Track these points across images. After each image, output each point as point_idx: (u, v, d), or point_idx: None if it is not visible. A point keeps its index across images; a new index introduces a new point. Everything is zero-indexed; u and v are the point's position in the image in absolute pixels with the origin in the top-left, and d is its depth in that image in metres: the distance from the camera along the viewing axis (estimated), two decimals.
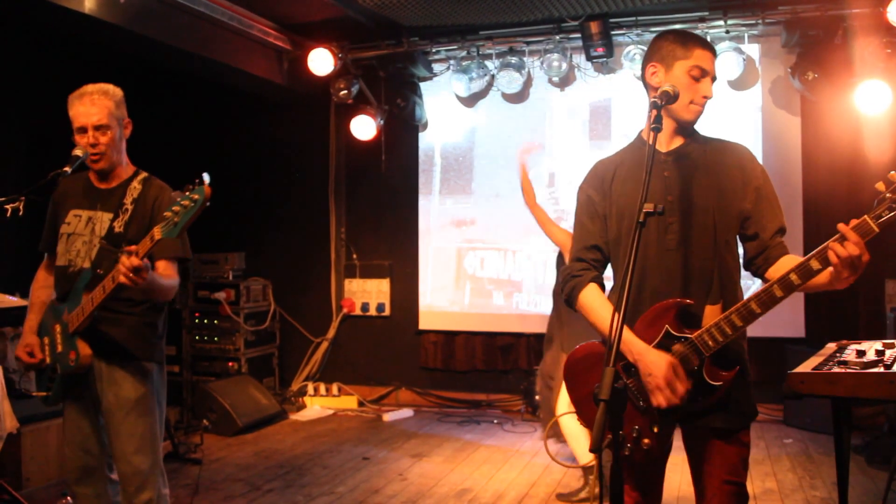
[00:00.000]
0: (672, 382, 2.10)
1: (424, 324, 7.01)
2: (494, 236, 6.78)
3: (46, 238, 3.08)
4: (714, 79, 2.31)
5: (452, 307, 6.91)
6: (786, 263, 2.16)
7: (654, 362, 2.12)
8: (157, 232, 2.55)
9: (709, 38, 5.93)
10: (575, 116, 6.59)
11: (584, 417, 2.35)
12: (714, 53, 2.34)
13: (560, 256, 4.49)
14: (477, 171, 6.88)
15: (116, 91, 2.96)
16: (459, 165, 6.93)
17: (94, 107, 2.86)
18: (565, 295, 2.41)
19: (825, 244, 1.99)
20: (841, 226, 1.97)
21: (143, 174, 3.04)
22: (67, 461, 3.01)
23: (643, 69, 2.39)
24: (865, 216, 1.94)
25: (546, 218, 4.47)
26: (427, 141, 7.02)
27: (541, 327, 6.60)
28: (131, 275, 2.56)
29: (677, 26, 5.79)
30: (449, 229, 6.95)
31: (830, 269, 2.00)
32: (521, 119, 6.72)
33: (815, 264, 2.01)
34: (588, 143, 6.52)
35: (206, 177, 2.48)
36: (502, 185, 6.73)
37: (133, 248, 2.60)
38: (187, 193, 2.51)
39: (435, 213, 7.00)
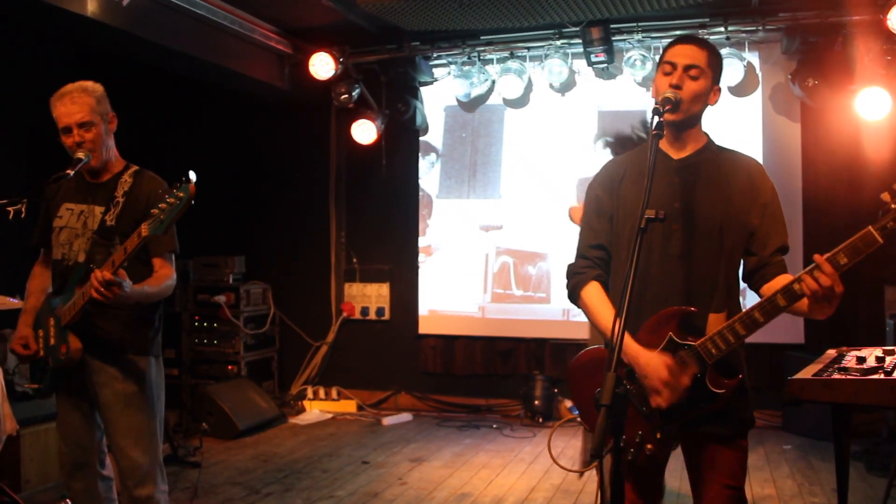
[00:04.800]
0: (669, 383, 2.11)
1: (424, 328, 7.01)
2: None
3: (39, 233, 3.09)
4: (690, 69, 2.22)
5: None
6: (780, 282, 2.17)
7: (648, 364, 2.14)
8: (144, 229, 2.58)
9: None
10: (576, 121, 6.59)
11: (588, 421, 2.36)
12: (700, 46, 2.27)
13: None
14: (480, 176, 6.89)
15: (97, 87, 2.95)
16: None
17: (76, 105, 2.86)
18: (568, 292, 2.44)
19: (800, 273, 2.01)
20: (816, 257, 1.99)
21: (134, 167, 3.05)
22: (60, 456, 3.03)
23: None
24: (870, 227, 1.94)
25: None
26: (435, 143, 7.04)
27: (544, 332, 6.66)
28: (102, 289, 2.59)
29: (678, 33, 5.80)
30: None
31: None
32: (521, 123, 6.75)
33: (792, 291, 2.04)
34: (589, 149, 6.53)
35: (192, 175, 2.51)
36: (512, 187, 6.77)
37: (109, 261, 2.64)
38: (173, 191, 2.54)
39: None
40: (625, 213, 2.33)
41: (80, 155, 2.87)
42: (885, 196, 1.93)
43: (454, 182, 7.00)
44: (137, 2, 4.92)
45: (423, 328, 7.00)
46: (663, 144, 2.31)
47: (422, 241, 7.05)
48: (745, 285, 2.35)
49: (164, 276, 2.92)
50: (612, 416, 1.75)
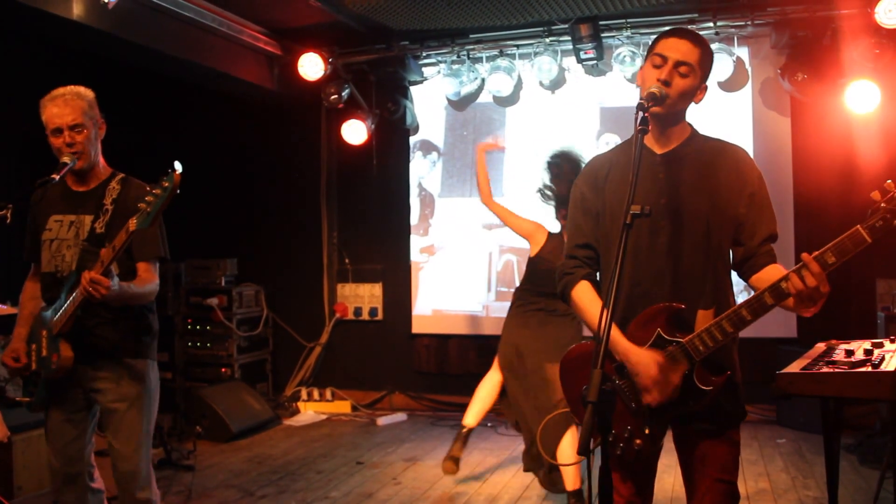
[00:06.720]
0: (659, 381, 2.10)
1: (417, 328, 7.00)
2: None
3: (30, 247, 3.09)
4: (680, 65, 2.19)
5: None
6: (770, 273, 2.17)
7: (639, 362, 2.13)
8: (132, 223, 2.58)
9: None
10: (578, 118, 6.56)
11: (579, 416, 2.36)
12: (694, 42, 2.24)
13: (531, 261, 4.36)
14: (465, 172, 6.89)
15: (88, 92, 2.96)
16: (460, 167, 6.91)
17: (69, 107, 2.86)
18: (559, 291, 2.42)
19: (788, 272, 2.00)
20: (804, 255, 1.98)
21: (121, 175, 3.05)
22: (50, 469, 3.02)
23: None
24: (858, 226, 1.93)
25: (506, 212, 4.53)
26: (437, 142, 7.03)
27: None
28: (90, 288, 2.60)
29: (667, 28, 5.78)
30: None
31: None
32: (523, 120, 6.74)
33: (780, 289, 2.03)
34: (592, 145, 6.50)
35: (177, 165, 2.51)
36: (514, 185, 6.71)
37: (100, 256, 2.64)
38: (158, 183, 2.54)
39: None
40: (611, 210, 2.32)
41: (66, 159, 2.85)
42: (875, 195, 1.92)
43: (456, 181, 6.98)
44: (123, 4, 4.90)
45: (427, 328, 6.97)
46: (647, 139, 2.30)
47: (425, 241, 7.03)
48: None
49: (147, 279, 2.93)
50: (599, 412, 1.75)
